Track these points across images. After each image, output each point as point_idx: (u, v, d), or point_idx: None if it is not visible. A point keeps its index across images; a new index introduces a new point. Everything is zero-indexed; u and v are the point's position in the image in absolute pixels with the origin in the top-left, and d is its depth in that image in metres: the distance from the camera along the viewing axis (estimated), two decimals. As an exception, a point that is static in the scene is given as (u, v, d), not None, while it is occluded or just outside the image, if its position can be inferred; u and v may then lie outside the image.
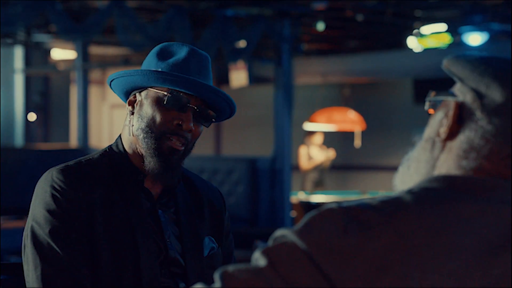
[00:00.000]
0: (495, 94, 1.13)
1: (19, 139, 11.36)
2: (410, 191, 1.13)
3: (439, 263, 1.06)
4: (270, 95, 9.57)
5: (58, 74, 11.67)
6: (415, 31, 10.01)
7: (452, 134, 1.17)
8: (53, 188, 1.86)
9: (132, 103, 1.96)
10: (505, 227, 1.09)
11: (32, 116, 11.45)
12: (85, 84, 10.15)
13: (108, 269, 1.80)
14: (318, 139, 10.91)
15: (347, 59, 11.44)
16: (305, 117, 11.36)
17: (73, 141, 11.61)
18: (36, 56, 11.42)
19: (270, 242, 1.13)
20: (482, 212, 1.09)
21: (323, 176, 10.94)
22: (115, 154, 1.93)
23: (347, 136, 12.72)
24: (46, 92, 11.67)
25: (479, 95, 1.14)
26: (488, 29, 9.34)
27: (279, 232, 1.12)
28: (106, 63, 11.88)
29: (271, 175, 9.13)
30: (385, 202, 1.11)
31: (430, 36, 9.90)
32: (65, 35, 7.78)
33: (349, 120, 11.24)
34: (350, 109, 11.49)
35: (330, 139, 12.23)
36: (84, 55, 10.21)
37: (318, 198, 10.00)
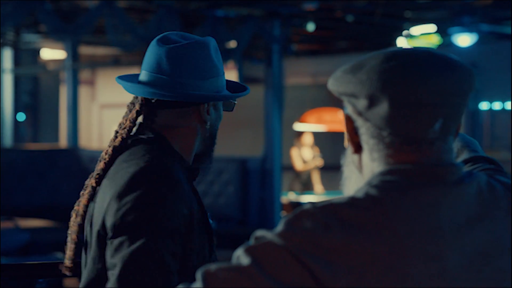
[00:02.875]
0: (363, 97, 1.18)
1: (8, 139, 11.31)
2: (371, 186, 1.17)
3: (420, 248, 1.11)
4: (261, 95, 9.57)
5: (47, 74, 11.63)
6: (404, 31, 10.03)
7: (357, 145, 1.23)
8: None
9: (199, 112, 1.92)
10: (465, 206, 1.16)
11: (21, 117, 11.41)
12: (75, 84, 10.12)
13: (194, 262, 1.78)
14: (308, 139, 10.92)
15: (337, 60, 11.46)
16: (295, 117, 11.37)
17: (63, 141, 11.58)
18: (25, 56, 11.38)
19: (252, 242, 1.13)
20: (443, 196, 1.15)
21: (310, 177, 10.94)
22: (175, 154, 1.87)
23: (337, 136, 12.74)
24: (35, 92, 11.63)
25: (353, 104, 1.21)
26: (477, 30, 9.38)
27: (259, 233, 1.14)
28: (96, 63, 11.86)
29: (261, 176, 9.13)
30: (356, 198, 1.15)
31: (419, 37, 9.92)
32: (55, 35, 7.76)
33: (339, 120, 11.26)
34: (340, 109, 11.49)
35: (320, 139, 12.24)
36: (74, 55, 10.18)
37: (308, 198, 10.01)
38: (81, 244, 1.84)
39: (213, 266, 1.11)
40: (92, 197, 1.83)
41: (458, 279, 1.13)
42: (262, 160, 9.12)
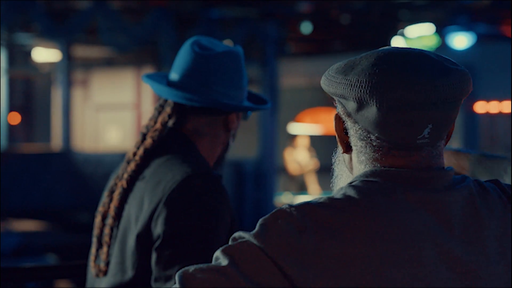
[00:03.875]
0: (352, 99, 1.16)
1: (2, 141, 11.27)
2: (351, 186, 1.16)
3: (397, 253, 1.09)
4: (256, 96, 9.53)
5: (40, 76, 11.58)
6: (399, 31, 10.02)
7: (347, 145, 1.21)
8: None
9: (227, 121, 1.93)
10: (446, 214, 1.14)
11: (14, 118, 11.35)
12: (68, 85, 10.07)
13: None
14: (303, 141, 10.89)
15: (333, 61, 11.40)
16: (291, 119, 11.34)
17: (55, 142, 11.52)
18: (19, 57, 11.34)
19: (230, 242, 1.13)
20: (424, 200, 1.14)
21: (305, 178, 10.93)
22: (204, 161, 1.87)
23: (332, 137, 12.71)
24: (28, 93, 11.58)
25: (343, 105, 1.19)
26: (473, 30, 9.36)
27: (237, 234, 1.13)
28: (89, 64, 11.81)
29: (256, 177, 9.11)
30: (334, 199, 1.13)
31: (416, 37, 9.91)
32: (48, 35, 7.71)
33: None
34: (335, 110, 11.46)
35: (316, 140, 12.22)
36: (67, 56, 10.13)
37: (303, 199, 9.97)
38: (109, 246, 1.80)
39: (191, 267, 1.10)
40: (124, 199, 1.80)
41: (436, 285, 1.10)
42: (257, 162, 9.10)
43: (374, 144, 1.16)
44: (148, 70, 12.82)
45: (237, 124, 1.93)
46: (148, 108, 13.31)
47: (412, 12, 9.20)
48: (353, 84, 1.15)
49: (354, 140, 1.19)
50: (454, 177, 1.19)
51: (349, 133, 1.20)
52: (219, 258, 1.11)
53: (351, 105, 1.16)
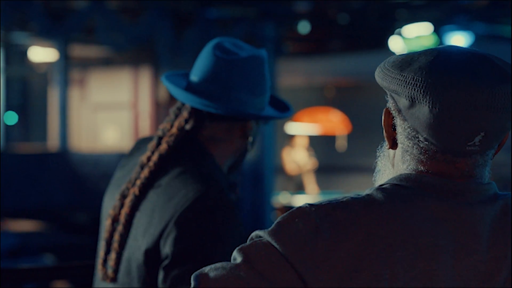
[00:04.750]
0: (405, 97, 1.13)
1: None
2: (381, 188, 1.14)
3: (410, 263, 1.07)
4: (253, 96, 9.52)
5: (37, 75, 11.57)
6: (397, 30, 10.01)
7: (393, 141, 1.19)
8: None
9: (244, 128, 1.88)
10: (473, 228, 1.10)
11: (12, 119, 11.33)
12: (65, 85, 10.05)
13: None
14: (301, 141, 10.88)
15: (330, 60, 11.42)
16: (289, 118, 11.32)
17: (51, 142, 11.50)
18: (15, 56, 11.32)
19: (248, 242, 1.13)
20: (451, 213, 1.10)
21: (303, 178, 10.91)
22: (221, 171, 1.83)
23: (331, 137, 12.70)
24: (24, 93, 11.56)
25: (394, 100, 1.17)
26: (471, 30, 9.36)
27: (255, 233, 1.13)
28: (87, 64, 11.79)
29: (253, 177, 9.10)
30: (356, 200, 1.11)
31: (413, 37, 9.90)
32: (45, 34, 7.69)
33: (333, 121, 11.22)
34: (334, 110, 11.47)
35: (314, 140, 12.20)
36: (65, 56, 10.11)
37: (301, 199, 9.96)
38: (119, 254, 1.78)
39: (207, 267, 1.11)
40: (135, 206, 1.76)
41: None
42: (254, 162, 9.08)
43: (421, 145, 1.14)
44: (146, 69, 12.79)
45: (256, 131, 1.88)
46: (145, 108, 13.29)
47: (409, 11, 9.20)
48: (408, 81, 1.12)
49: (401, 138, 1.17)
50: (495, 190, 1.15)
51: (397, 130, 1.17)
52: (236, 257, 1.10)
53: (403, 102, 1.14)
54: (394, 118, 1.17)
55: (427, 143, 1.13)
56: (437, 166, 1.13)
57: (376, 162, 1.27)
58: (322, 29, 10.27)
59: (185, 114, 1.81)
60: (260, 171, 9.05)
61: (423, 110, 1.10)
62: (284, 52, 10.63)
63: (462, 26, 9.19)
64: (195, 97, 1.79)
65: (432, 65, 1.11)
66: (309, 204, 1.12)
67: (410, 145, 1.15)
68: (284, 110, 1.95)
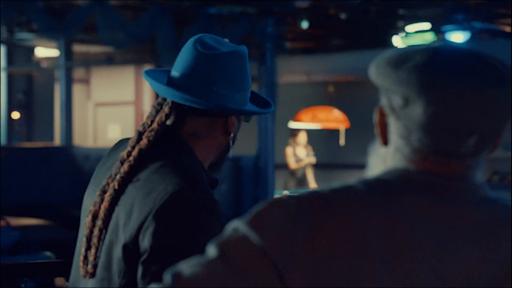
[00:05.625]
0: (399, 96, 1.11)
1: (2, 138, 11.28)
2: (364, 181, 1.12)
3: (389, 260, 1.04)
4: (254, 93, 9.55)
5: (41, 73, 11.61)
6: (398, 29, 10.03)
7: (385, 139, 1.16)
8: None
9: (226, 124, 1.88)
10: (458, 228, 1.07)
11: (15, 115, 11.38)
12: (69, 83, 10.10)
13: None
14: (302, 138, 10.91)
15: (331, 58, 11.44)
16: (289, 115, 11.36)
17: (58, 140, 11.54)
18: (19, 54, 11.36)
19: (225, 235, 1.10)
20: (436, 210, 1.08)
21: (305, 175, 10.95)
22: (202, 167, 1.82)
23: (331, 134, 12.74)
24: (29, 91, 11.61)
25: (388, 98, 1.14)
26: (470, 27, 9.38)
27: (232, 225, 1.10)
28: (89, 62, 11.84)
29: (254, 174, 9.13)
30: (337, 191, 1.09)
31: (413, 34, 9.93)
32: (46, 33, 7.73)
33: (333, 118, 11.25)
34: (334, 107, 11.50)
35: (315, 137, 12.23)
36: (68, 54, 10.15)
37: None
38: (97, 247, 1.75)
39: (183, 264, 1.08)
40: (114, 201, 1.74)
41: None
42: (255, 158, 9.12)
43: (413, 144, 1.11)
44: (148, 67, 12.84)
45: (238, 127, 1.87)
46: (147, 105, 13.35)
47: (409, 8, 9.22)
48: (402, 80, 1.10)
49: (393, 137, 1.14)
50: (485, 192, 1.13)
51: (390, 128, 1.15)
52: (212, 251, 1.08)
53: (397, 101, 1.11)
54: (387, 116, 1.15)
55: (419, 143, 1.10)
56: (428, 166, 1.11)
57: (368, 159, 1.23)
58: (323, 26, 10.30)
59: (166, 109, 1.79)
60: (261, 168, 9.09)
61: (417, 110, 1.09)
62: (284, 49, 10.66)
63: (461, 23, 9.21)
64: (176, 91, 1.78)
65: (428, 64, 1.09)
66: (288, 195, 1.09)
67: (402, 144, 1.12)
68: (266, 106, 1.93)
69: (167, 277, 1.08)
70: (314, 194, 1.09)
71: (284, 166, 10.87)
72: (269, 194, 9.11)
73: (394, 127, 1.13)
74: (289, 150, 10.74)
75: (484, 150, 1.11)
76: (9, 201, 9.07)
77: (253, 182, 9.16)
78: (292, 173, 10.80)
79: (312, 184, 10.79)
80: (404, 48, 1.16)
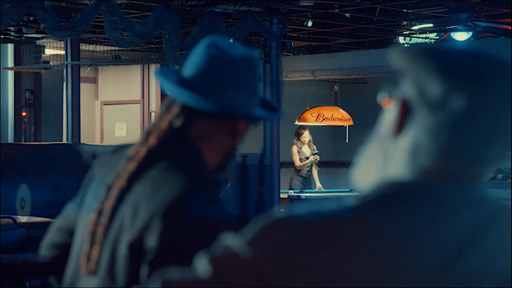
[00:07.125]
0: (435, 90, 1.06)
1: (9, 138, 11.34)
2: (364, 199, 1.08)
3: (392, 277, 1.02)
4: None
5: (49, 71, 11.68)
6: (402, 26, 10.07)
7: (400, 131, 1.10)
8: None
9: (234, 128, 1.88)
10: (458, 235, 1.05)
11: (23, 114, 11.46)
12: (76, 82, 10.15)
13: None
14: (307, 136, 10.96)
15: (336, 56, 11.48)
16: (294, 114, 11.40)
17: (66, 138, 11.61)
18: (27, 53, 11.42)
19: (218, 250, 1.07)
20: (435, 220, 1.05)
21: (310, 173, 10.98)
22: (208, 169, 1.83)
23: (336, 133, 12.78)
24: (37, 90, 11.67)
25: (420, 91, 1.08)
26: (473, 26, 9.41)
27: (227, 241, 1.06)
28: (96, 61, 11.91)
29: (260, 172, 9.16)
30: (338, 211, 1.05)
31: (417, 32, 9.96)
32: (53, 32, 7.80)
33: (338, 117, 11.30)
34: (339, 106, 11.54)
35: (320, 136, 12.27)
36: (75, 53, 10.21)
37: (307, 194, 10.04)
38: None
39: (174, 274, 1.07)
40: (120, 199, 1.73)
41: None
42: (260, 156, 9.16)
43: (442, 143, 1.06)
44: (154, 66, 12.91)
45: (246, 131, 1.87)
46: (154, 104, 13.42)
47: (414, 8, 9.26)
48: (449, 70, 1.06)
49: (416, 131, 1.08)
50: (485, 194, 1.10)
51: (411, 121, 1.08)
52: (203, 267, 1.05)
53: (428, 97, 1.06)
54: (412, 108, 1.08)
55: (450, 142, 1.06)
56: (451, 167, 1.07)
57: (365, 148, 1.17)
58: (328, 25, 10.34)
59: (175, 109, 1.80)
60: (266, 166, 9.12)
61: (458, 104, 1.04)
62: (289, 48, 10.71)
63: (465, 23, 9.24)
64: (186, 92, 1.78)
65: (471, 73, 1.05)
66: (288, 214, 1.06)
67: (417, 145, 1.07)
68: (274, 110, 1.93)
69: (158, 280, 1.07)
70: (314, 214, 1.05)
71: (289, 164, 10.92)
72: (274, 192, 9.14)
73: (421, 121, 1.07)
74: (294, 149, 10.79)
75: (504, 153, 1.09)
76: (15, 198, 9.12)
77: (258, 180, 9.19)
78: (297, 171, 10.85)
79: (317, 183, 10.84)
80: (439, 44, 1.14)
